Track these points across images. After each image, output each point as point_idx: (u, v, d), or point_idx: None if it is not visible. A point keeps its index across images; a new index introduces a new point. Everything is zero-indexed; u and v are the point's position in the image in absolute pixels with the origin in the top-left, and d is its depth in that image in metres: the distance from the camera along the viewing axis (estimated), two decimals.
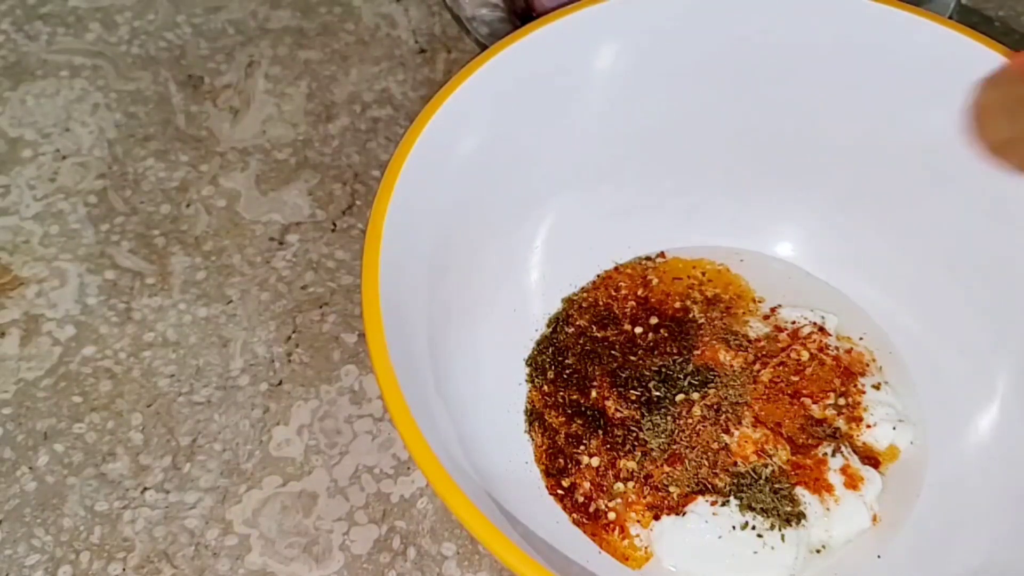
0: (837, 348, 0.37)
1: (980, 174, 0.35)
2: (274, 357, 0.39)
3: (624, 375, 0.36)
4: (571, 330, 0.38)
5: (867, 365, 0.37)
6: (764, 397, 0.35)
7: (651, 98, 0.38)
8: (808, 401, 0.36)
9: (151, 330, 0.40)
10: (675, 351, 0.37)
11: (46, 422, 0.37)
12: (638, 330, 0.38)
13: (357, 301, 0.41)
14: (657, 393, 0.36)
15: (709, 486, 0.33)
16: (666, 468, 0.34)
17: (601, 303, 0.39)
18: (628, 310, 0.38)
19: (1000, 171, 0.34)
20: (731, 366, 0.36)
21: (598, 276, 0.40)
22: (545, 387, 0.37)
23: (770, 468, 0.34)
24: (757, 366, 0.36)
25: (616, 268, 0.40)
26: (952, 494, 0.34)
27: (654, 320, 0.38)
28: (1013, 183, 0.35)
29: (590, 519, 0.34)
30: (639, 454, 0.34)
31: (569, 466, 0.35)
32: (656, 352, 0.37)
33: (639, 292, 0.39)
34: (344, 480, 0.36)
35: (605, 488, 0.34)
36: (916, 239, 0.38)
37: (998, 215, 0.35)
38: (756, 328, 0.38)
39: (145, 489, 0.36)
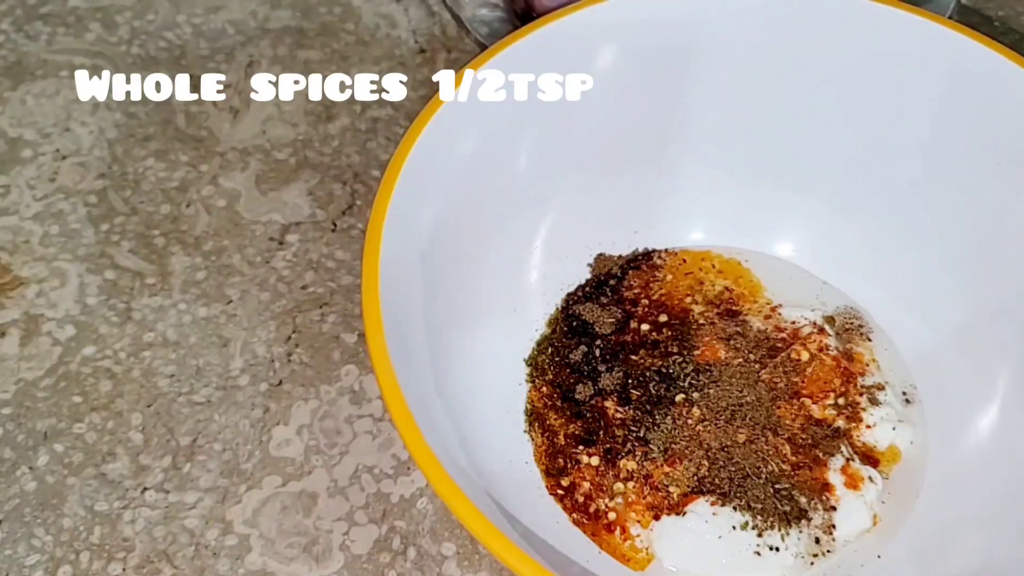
0: (837, 348, 0.37)
1: (980, 174, 0.36)
2: (274, 357, 0.39)
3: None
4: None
5: (867, 365, 0.37)
6: (764, 397, 0.35)
7: (651, 98, 0.38)
8: (808, 401, 0.36)
9: (151, 330, 0.40)
10: (676, 350, 0.37)
11: (46, 422, 0.37)
12: (644, 327, 0.38)
13: (357, 301, 0.41)
14: (657, 393, 0.36)
15: (709, 486, 0.33)
16: (666, 468, 0.34)
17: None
18: (639, 310, 0.38)
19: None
20: (731, 366, 0.36)
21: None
22: (545, 387, 0.37)
23: (770, 468, 0.34)
24: (757, 366, 0.36)
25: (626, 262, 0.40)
26: (952, 494, 0.34)
27: (663, 317, 0.38)
28: (1013, 183, 0.35)
29: (590, 519, 0.34)
30: (639, 454, 0.34)
31: (569, 466, 0.35)
32: (657, 352, 0.37)
33: (649, 287, 0.39)
34: (344, 480, 0.36)
35: (605, 488, 0.34)
36: (916, 239, 0.38)
37: (998, 214, 0.35)
38: (756, 328, 0.38)
39: (145, 489, 0.36)
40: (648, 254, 0.40)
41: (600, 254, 0.40)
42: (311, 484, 0.36)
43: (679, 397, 0.35)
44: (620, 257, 0.40)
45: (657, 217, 0.40)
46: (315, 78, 0.48)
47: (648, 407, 0.35)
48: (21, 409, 0.38)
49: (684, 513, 0.33)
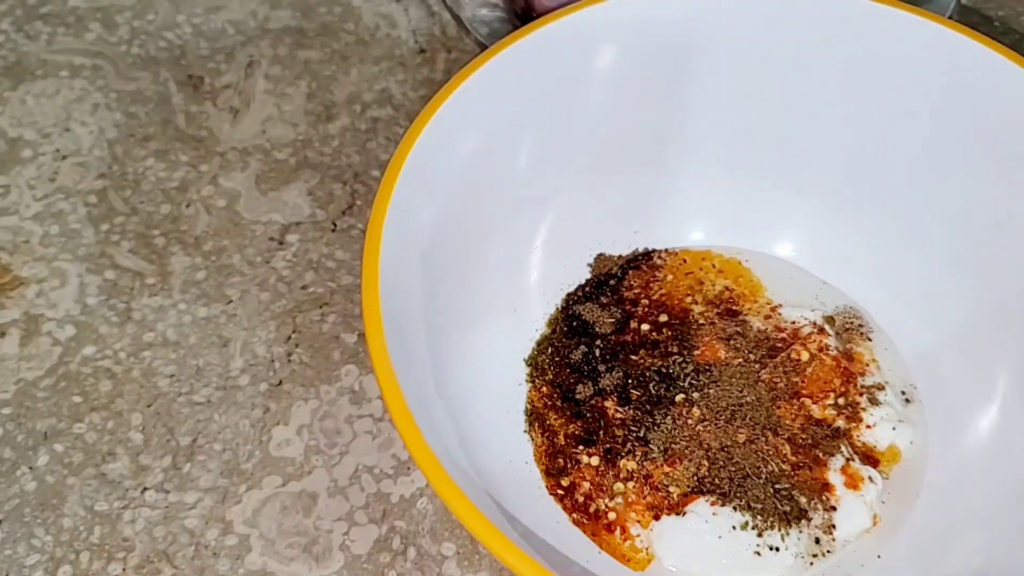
0: (837, 348, 0.37)
1: (980, 174, 0.36)
2: (274, 357, 0.39)
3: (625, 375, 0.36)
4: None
5: (867, 365, 0.37)
6: (764, 397, 0.35)
7: (651, 98, 0.38)
8: (808, 401, 0.36)
9: (151, 330, 0.40)
10: (676, 351, 0.37)
11: (46, 422, 0.37)
12: (644, 327, 0.38)
13: (357, 301, 0.41)
14: (657, 393, 0.36)
15: (709, 486, 0.33)
16: (666, 468, 0.34)
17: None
18: (639, 310, 0.38)
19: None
20: (731, 366, 0.36)
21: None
22: (545, 387, 0.37)
23: (770, 468, 0.34)
24: (757, 366, 0.36)
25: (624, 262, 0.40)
26: (952, 494, 0.34)
27: (664, 317, 0.38)
28: (1013, 183, 0.35)
29: (590, 519, 0.34)
30: (639, 454, 0.34)
31: (569, 466, 0.35)
32: (657, 352, 0.37)
33: (649, 287, 0.39)
34: (344, 480, 0.36)
35: (605, 488, 0.34)
36: (917, 239, 0.38)
37: (998, 214, 0.35)
38: (756, 328, 0.38)
39: (145, 489, 0.36)
40: (648, 254, 0.40)
41: (600, 254, 0.40)
42: (311, 484, 0.36)
43: (679, 397, 0.35)
44: (620, 257, 0.40)
45: (657, 217, 0.40)
46: (315, 78, 0.48)
47: (648, 407, 0.35)
48: (21, 409, 0.38)
49: (684, 513, 0.33)
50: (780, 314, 0.38)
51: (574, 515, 0.34)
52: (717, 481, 0.33)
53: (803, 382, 0.36)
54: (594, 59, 0.37)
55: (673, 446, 0.34)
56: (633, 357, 0.37)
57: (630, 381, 0.36)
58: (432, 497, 0.36)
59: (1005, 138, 0.35)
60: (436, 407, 0.31)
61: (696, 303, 0.39)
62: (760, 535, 0.32)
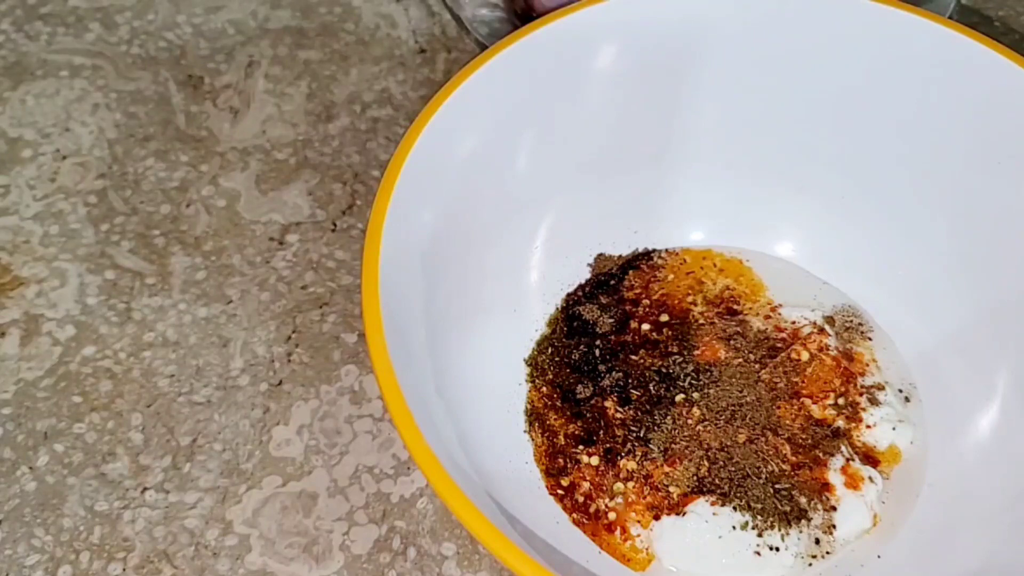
0: (837, 348, 0.37)
1: (980, 173, 0.36)
2: (274, 357, 0.39)
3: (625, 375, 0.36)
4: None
5: (867, 365, 0.37)
6: (764, 397, 0.35)
7: (651, 98, 0.38)
8: (808, 401, 0.36)
9: (151, 330, 0.40)
10: (676, 350, 0.37)
11: (46, 422, 0.37)
12: (645, 327, 0.38)
13: (357, 301, 0.41)
14: (657, 393, 0.36)
15: (709, 486, 0.33)
16: (666, 468, 0.34)
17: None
18: (639, 310, 0.38)
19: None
20: (731, 366, 0.36)
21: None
22: (545, 387, 0.37)
23: (770, 468, 0.34)
24: (757, 366, 0.36)
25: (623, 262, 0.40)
26: (952, 494, 0.34)
27: (664, 317, 0.38)
28: (1013, 183, 0.35)
29: (590, 519, 0.34)
30: (639, 454, 0.34)
31: (569, 466, 0.35)
32: (657, 352, 0.37)
33: (649, 287, 0.39)
34: (344, 480, 0.36)
35: (605, 488, 0.34)
36: (916, 239, 0.38)
37: (998, 214, 0.35)
38: (756, 328, 0.38)
39: (145, 489, 0.36)
40: (648, 254, 0.40)
41: (600, 254, 0.40)
42: (311, 484, 0.36)
43: (679, 397, 0.35)
44: (620, 257, 0.40)
45: (657, 217, 0.40)
46: (315, 78, 0.48)
47: (648, 407, 0.35)
48: (21, 409, 0.38)
49: (684, 513, 0.33)
50: (780, 314, 0.38)
51: (574, 515, 0.34)
52: (717, 481, 0.33)
53: (803, 382, 0.36)
54: (594, 59, 0.37)
55: (673, 446, 0.34)
56: (633, 357, 0.37)
57: (630, 381, 0.36)
58: (432, 497, 0.36)
59: (1005, 138, 0.35)
60: (436, 407, 0.31)
61: (696, 303, 0.39)
62: (760, 535, 0.32)
